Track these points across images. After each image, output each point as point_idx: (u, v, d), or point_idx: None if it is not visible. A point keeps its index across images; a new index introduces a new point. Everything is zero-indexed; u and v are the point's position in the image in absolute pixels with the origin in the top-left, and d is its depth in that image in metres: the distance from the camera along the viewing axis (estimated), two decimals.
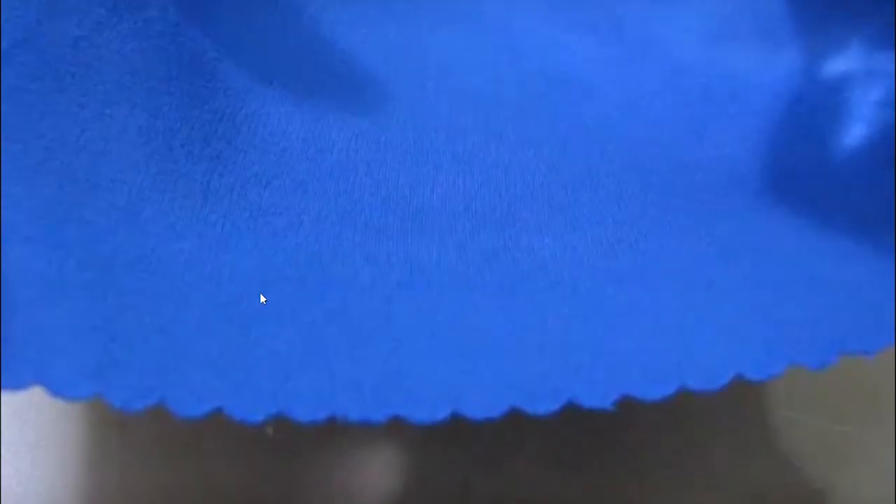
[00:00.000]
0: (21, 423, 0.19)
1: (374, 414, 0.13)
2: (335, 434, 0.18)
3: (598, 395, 0.13)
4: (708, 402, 0.14)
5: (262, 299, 0.15)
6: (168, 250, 0.15)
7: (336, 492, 0.18)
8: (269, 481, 0.18)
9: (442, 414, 0.13)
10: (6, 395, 0.15)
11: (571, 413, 0.13)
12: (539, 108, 0.20)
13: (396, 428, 0.13)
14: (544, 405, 0.13)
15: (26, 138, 0.15)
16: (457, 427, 0.13)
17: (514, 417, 0.13)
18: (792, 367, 0.13)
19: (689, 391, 0.13)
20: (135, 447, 0.19)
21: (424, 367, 0.14)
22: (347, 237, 0.16)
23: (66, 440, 0.19)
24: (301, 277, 0.15)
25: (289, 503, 0.18)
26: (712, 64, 0.20)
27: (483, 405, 0.13)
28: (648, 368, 0.14)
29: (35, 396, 0.12)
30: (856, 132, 0.19)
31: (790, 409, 0.19)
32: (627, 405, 0.13)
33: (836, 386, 0.20)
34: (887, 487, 0.19)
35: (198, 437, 0.18)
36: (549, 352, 0.14)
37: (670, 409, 0.14)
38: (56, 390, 0.12)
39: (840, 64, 0.19)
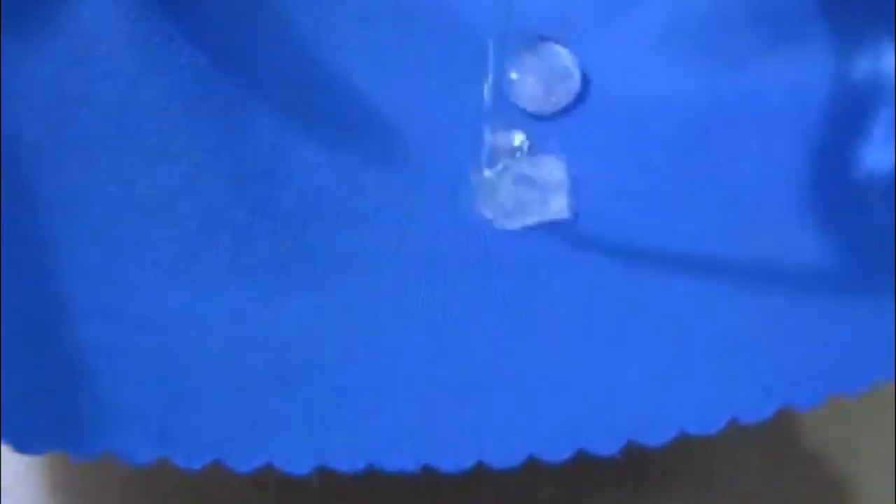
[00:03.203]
0: None
1: (407, 464, 0.14)
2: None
3: (606, 443, 0.14)
4: None
5: None
6: (216, 307, 0.16)
7: None
8: None
9: (467, 463, 0.14)
10: None
11: None
12: None
13: None
14: (558, 454, 0.14)
15: (77, 209, 0.16)
16: None
17: None
18: (784, 409, 0.15)
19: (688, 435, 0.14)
20: None
21: (450, 420, 0.15)
22: (373, 289, 0.17)
23: None
24: (338, 331, 0.16)
25: None
26: (728, 82, 0.19)
27: (504, 456, 0.14)
28: (651, 415, 0.15)
29: None
30: (868, 155, 0.18)
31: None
32: None
33: None
34: (887, 487, 0.19)
35: None
36: (560, 401, 0.15)
37: None
38: (127, 458, 0.13)
39: (859, 83, 0.19)
